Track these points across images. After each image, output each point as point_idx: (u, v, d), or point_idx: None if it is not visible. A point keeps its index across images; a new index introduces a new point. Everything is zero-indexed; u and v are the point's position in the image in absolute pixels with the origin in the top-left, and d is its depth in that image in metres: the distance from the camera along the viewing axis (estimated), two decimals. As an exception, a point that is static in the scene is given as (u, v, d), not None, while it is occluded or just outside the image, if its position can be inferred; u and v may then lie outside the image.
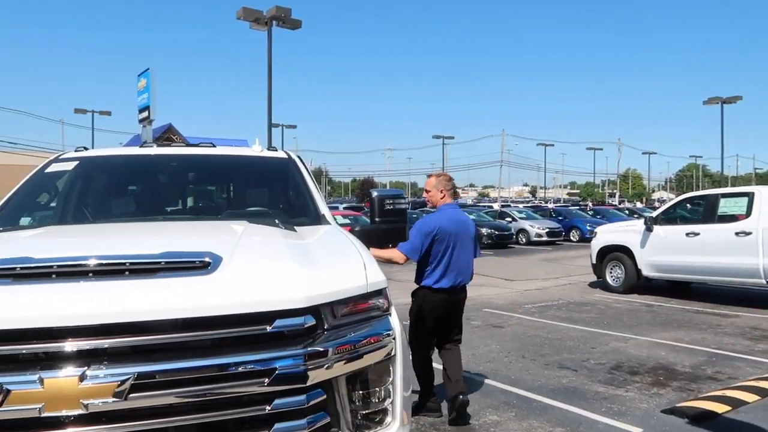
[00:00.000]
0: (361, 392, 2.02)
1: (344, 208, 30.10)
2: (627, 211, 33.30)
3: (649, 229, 10.75)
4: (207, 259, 1.97)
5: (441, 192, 4.48)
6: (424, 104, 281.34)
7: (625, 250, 11.11)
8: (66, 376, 1.61)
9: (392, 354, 2.09)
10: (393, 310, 2.21)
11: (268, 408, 1.78)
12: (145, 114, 23.98)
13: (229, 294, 1.81)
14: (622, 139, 77.05)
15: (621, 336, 7.53)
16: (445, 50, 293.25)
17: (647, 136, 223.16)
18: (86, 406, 1.60)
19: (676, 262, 10.33)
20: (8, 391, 1.57)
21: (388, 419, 2.08)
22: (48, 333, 1.65)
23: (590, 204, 46.28)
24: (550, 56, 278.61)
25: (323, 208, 3.50)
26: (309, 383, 1.83)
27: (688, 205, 11.24)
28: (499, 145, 62.78)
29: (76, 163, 3.69)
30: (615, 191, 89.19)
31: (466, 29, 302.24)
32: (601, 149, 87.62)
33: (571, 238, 26.09)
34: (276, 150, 4.18)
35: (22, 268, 1.89)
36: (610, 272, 11.50)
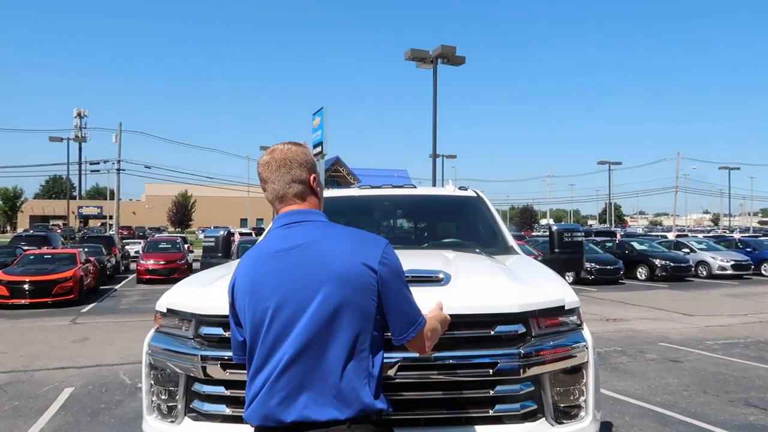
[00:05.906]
0: (560, 389, 2.53)
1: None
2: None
3: None
4: (441, 276, 2.63)
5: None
6: (587, 130, 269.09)
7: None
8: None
9: (585, 360, 2.57)
10: (585, 326, 2.69)
11: (491, 392, 2.38)
12: (318, 149, 26.48)
13: (463, 299, 2.45)
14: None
15: (822, 379, 6.97)
16: (611, 72, 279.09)
17: None
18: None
19: None
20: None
21: (582, 413, 2.56)
22: None
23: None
24: (730, 69, 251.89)
25: (511, 240, 4.06)
26: (521, 376, 2.39)
27: None
28: (674, 170, 58.17)
29: None
30: (820, 219, 77.28)
31: (633, 47, 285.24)
32: (801, 171, 76.34)
33: (763, 272, 23.47)
34: (466, 189, 4.85)
35: None
36: (811, 311, 10.44)
